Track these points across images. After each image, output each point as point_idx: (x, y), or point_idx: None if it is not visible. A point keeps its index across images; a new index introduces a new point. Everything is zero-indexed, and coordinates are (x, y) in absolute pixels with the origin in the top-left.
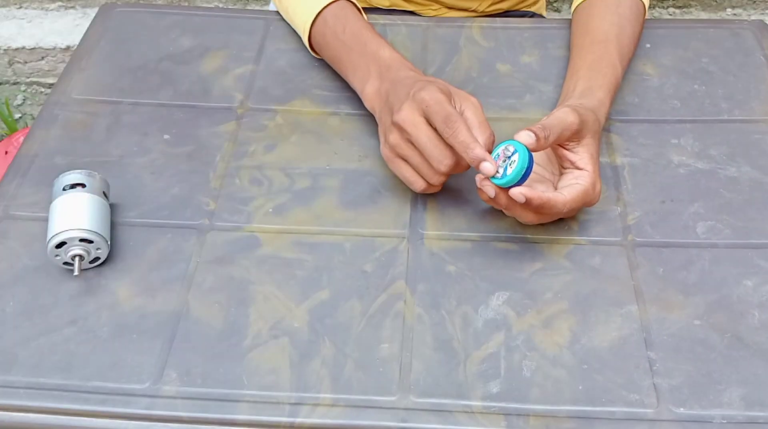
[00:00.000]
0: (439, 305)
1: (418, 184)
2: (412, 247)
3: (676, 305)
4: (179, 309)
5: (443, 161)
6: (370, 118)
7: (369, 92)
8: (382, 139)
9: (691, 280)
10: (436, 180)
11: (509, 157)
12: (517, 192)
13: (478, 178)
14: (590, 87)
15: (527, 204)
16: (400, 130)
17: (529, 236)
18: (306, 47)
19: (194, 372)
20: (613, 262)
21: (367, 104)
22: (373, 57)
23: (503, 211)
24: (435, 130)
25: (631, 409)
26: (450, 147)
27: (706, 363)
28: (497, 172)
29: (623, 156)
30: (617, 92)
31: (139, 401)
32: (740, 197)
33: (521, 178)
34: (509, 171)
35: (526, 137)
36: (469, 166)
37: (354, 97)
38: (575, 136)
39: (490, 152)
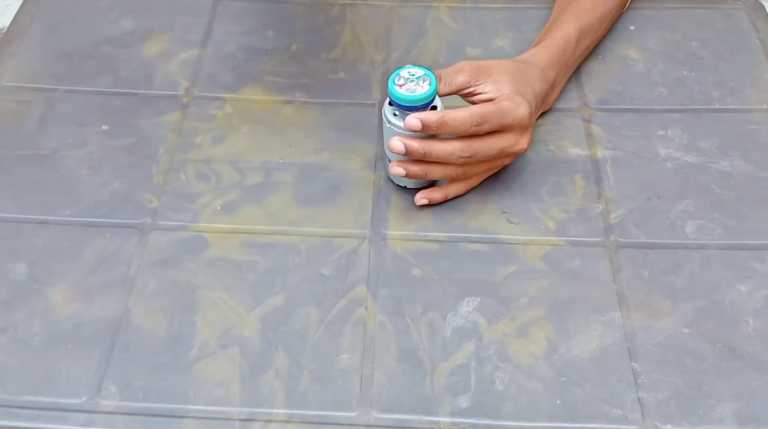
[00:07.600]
0: (404, 312)
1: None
2: (374, 249)
3: (662, 312)
4: (119, 316)
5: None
6: (328, 106)
7: None
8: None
9: (679, 284)
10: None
11: (413, 81)
12: (411, 119)
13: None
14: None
15: (426, 129)
16: None
17: (502, 237)
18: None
19: (136, 385)
20: (594, 264)
21: None
22: None
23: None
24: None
25: (613, 425)
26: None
27: (696, 375)
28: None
29: (605, 149)
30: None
31: (76, 417)
32: (733, 194)
33: (427, 103)
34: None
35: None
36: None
37: (311, 85)
38: (477, 78)
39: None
